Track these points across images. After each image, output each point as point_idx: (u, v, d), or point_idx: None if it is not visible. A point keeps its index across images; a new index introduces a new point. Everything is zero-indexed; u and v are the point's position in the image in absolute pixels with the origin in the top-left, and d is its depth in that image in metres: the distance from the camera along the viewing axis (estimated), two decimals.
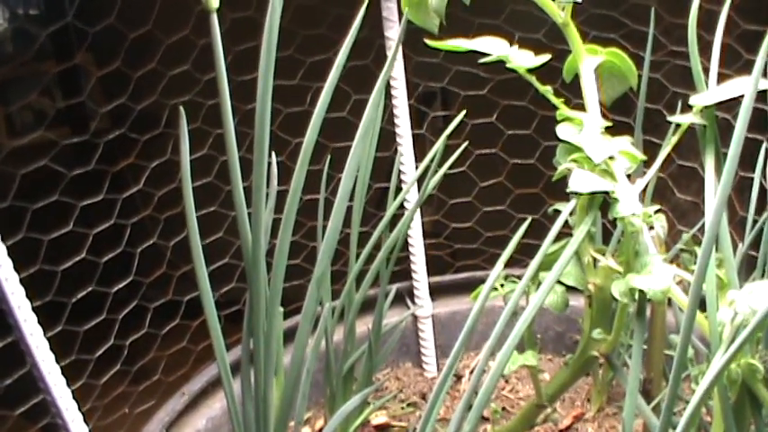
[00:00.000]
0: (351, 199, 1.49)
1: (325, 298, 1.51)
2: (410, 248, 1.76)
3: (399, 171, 1.67)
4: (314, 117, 1.10)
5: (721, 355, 0.95)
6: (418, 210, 1.71)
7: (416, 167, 1.61)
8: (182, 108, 1.15)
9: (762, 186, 1.44)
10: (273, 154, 1.15)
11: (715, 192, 1.05)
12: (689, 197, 1.90)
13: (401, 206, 1.56)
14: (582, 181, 1.02)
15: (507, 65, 1.14)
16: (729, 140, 1.00)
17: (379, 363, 1.64)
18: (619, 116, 1.54)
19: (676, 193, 1.86)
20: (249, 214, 1.13)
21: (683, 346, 0.97)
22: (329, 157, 1.50)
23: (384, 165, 1.63)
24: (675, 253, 1.57)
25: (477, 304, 1.05)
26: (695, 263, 1.02)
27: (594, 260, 1.15)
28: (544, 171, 1.86)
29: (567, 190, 1.03)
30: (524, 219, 1.12)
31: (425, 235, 1.78)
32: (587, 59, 1.19)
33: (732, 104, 1.13)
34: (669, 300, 1.21)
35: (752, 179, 1.45)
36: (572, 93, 1.19)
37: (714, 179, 1.09)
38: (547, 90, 1.16)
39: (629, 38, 1.71)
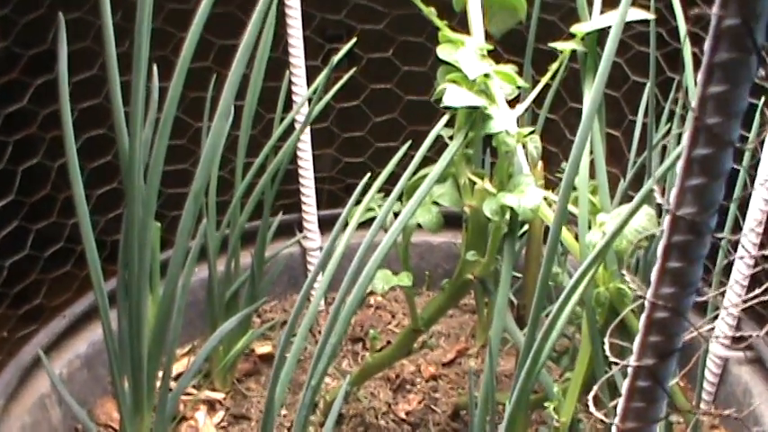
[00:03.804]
0: (238, 128, 1.49)
1: (210, 225, 1.50)
2: (300, 179, 1.75)
3: (292, 101, 1.66)
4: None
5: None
6: (309, 141, 1.71)
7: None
8: (63, 21, 1.12)
9: (644, 128, 1.47)
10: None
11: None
12: None
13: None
14: (456, 96, 1.02)
15: None
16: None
17: (263, 292, 1.63)
18: (517, 58, 1.55)
19: (567, 135, 1.88)
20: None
21: (549, 259, 0.98)
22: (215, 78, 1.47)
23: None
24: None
25: (352, 222, 1.06)
26: None
27: (472, 183, 1.16)
28: (441, 109, 1.86)
29: (441, 105, 1.04)
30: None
31: (318, 170, 1.78)
32: None
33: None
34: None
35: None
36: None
37: (590, 101, 1.10)
38: (431, 11, 1.16)
39: None
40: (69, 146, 1.17)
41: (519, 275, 1.33)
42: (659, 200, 0.53)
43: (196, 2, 1.39)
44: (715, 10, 0.48)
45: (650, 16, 1.16)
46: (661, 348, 0.59)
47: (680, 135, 1.39)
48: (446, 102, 1.03)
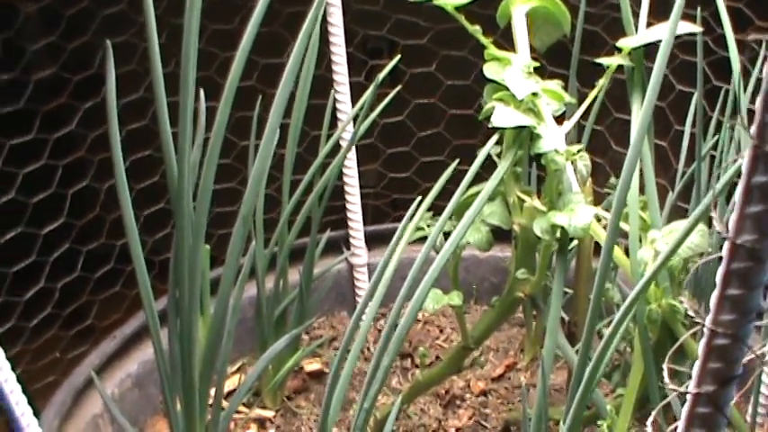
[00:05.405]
0: (283, 146, 1.49)
1: (259, 244, 1.51)
2: (346, 196, 1.75)
3: (337, 118, 1.67)
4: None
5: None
6: (354, 158, 1.71)
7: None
8: (110, 46, 1.13)
9: (691, 138, 1.46)
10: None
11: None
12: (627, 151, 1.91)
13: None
14: (504, 116, 1.02)
15: (434, 1, 1.14)
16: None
17: (311, 309, 1.63)
18: (560, 69, 1.55)
19: (613, 146, 1.87)
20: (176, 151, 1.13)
21: (601, 278, 0.97)
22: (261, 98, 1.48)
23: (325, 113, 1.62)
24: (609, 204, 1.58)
25: (401, 243, 1.06)
26: None
27: (521, 201, 1.16)
28: (483, 121, 1.85)
29: (490, 125, 1.04)
30: (464, 170, 1.12)
31: (363, 185, 1.77)
32: (519, 4, 1.19)
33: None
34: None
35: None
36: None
37: (640, 120, 1.10)
38: (476, 30, 1.16)
39: None
40: (118, 168, 1.18)
41: (568, 291, 1.32)
42: (718, 227, 0.53)
43: (240, 22, 1.41)
44: None
45: (698, 29, 1.15)
46: (721, 375, 0.58)
47: (730, 147, 1.37)
48: (495, 122, 1.03)
